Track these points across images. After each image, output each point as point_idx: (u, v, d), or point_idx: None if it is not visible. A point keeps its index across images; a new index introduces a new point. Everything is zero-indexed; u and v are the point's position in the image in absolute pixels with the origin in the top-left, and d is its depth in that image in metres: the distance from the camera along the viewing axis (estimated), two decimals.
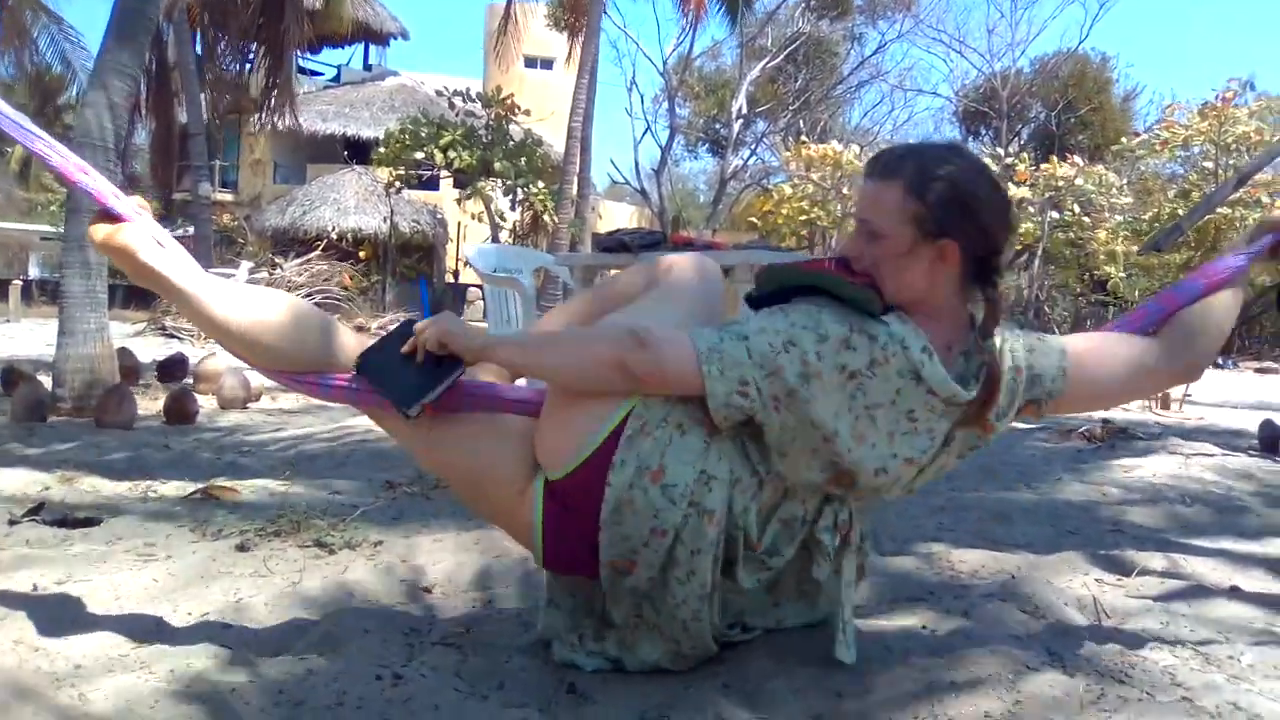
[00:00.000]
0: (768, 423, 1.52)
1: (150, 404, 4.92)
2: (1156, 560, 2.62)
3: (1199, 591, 2.35)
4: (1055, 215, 20.94)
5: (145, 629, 1.81)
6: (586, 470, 1.56)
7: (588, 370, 1.55)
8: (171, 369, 6.12)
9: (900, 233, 1.54)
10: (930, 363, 1.51)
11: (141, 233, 1.70)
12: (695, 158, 37.02)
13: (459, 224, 21.73)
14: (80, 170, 1.73)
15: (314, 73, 28.34)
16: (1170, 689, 1.61)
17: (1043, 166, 21.04)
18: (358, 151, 23.68)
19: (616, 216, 27.85)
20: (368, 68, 28.55)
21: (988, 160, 23.59)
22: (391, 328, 1.75)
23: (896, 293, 1.55)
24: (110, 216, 1.72)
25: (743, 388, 1.50)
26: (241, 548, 2.40)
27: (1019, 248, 23.35)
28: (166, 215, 21.78)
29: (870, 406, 1.52)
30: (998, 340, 1.59)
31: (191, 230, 16.32)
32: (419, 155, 17.90)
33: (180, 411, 4.55)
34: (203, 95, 16.49)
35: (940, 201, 1.52)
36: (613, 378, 1.53)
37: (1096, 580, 2.40)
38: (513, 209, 19.35)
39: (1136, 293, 23.38)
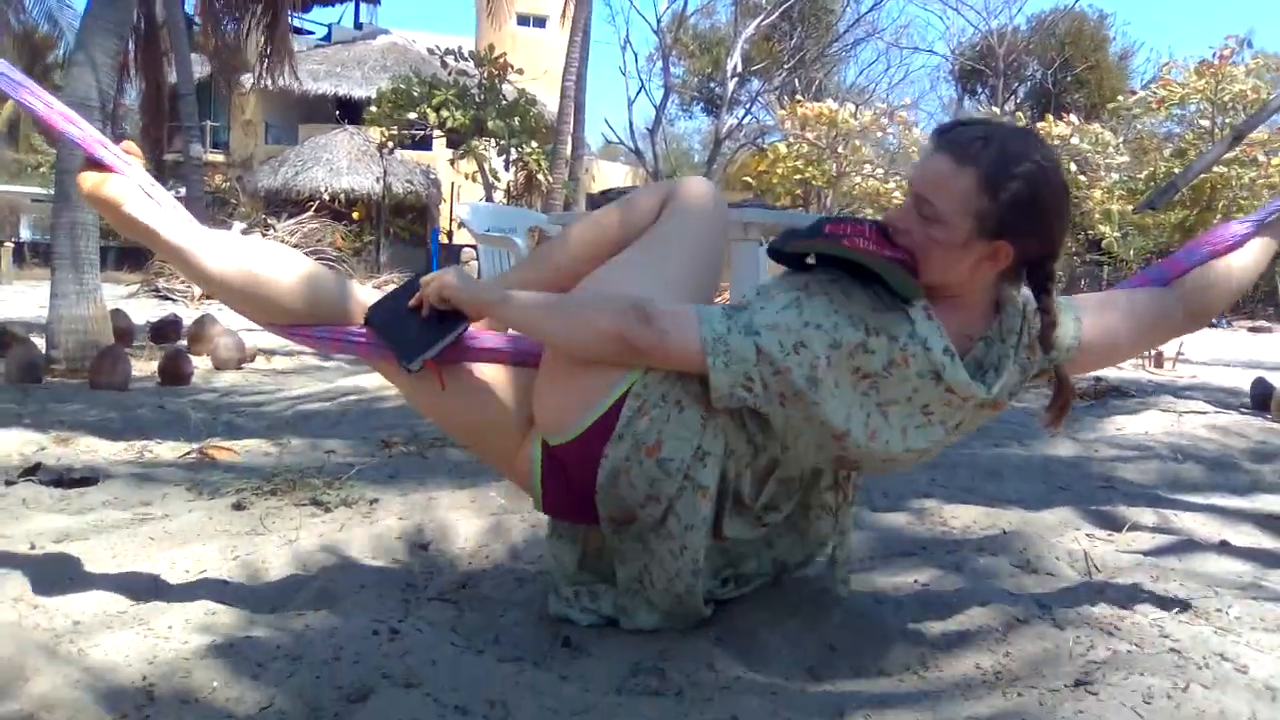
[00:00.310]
0: (773, 415, 1.50)
1: (145, 365, 4.91)
2: (1147, 516, 2.64)
3: (1189, 546, 2.37)
4: None
5: (143, 586, 1.82)
6: (583, 442, 1.55)
7: (589, 340, 1.52)
8: (165, 330, 6.11)
9: (960, 224, 1.43)
10: (952, 364, 1.46)
11: (129, 184, 1.66)
12: (690, 117, 36.85)
13: (453, 184, 21.62)
14: (67, 120, 1.70)
15: (305, 31, 28.04)
16: (1158, 641, 1.62)
17: (1039, 125, 20.91)
18: (350, 111, 23.49)
19: (611, 177, 27.70)
20: (359, 26, 28.25)
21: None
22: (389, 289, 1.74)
23: (934, 279, 1.48)
24: (99, 166, 1.69)
25: (748, 383, 1.46)
26: (238, 506, 2.41)
27: None
28: (158, 176, 21.57)
29: (884, 404, 1.48)
30: (1021, 306, 1.56)
31: (183, 191, 16.21)
32: (411, 115, 17.77)
33: (175, 372, 4.55)
34: (194, 55, 16.31)
35: (1012, 203, 1.42)
36: (613, 350, 1.50)
37: (1087, 535, 2.42)
38: (507, 169, 19.24)
39: (1131, 252, 23.37)
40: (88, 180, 1.67)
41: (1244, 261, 1.79)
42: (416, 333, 1.61)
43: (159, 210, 1.69)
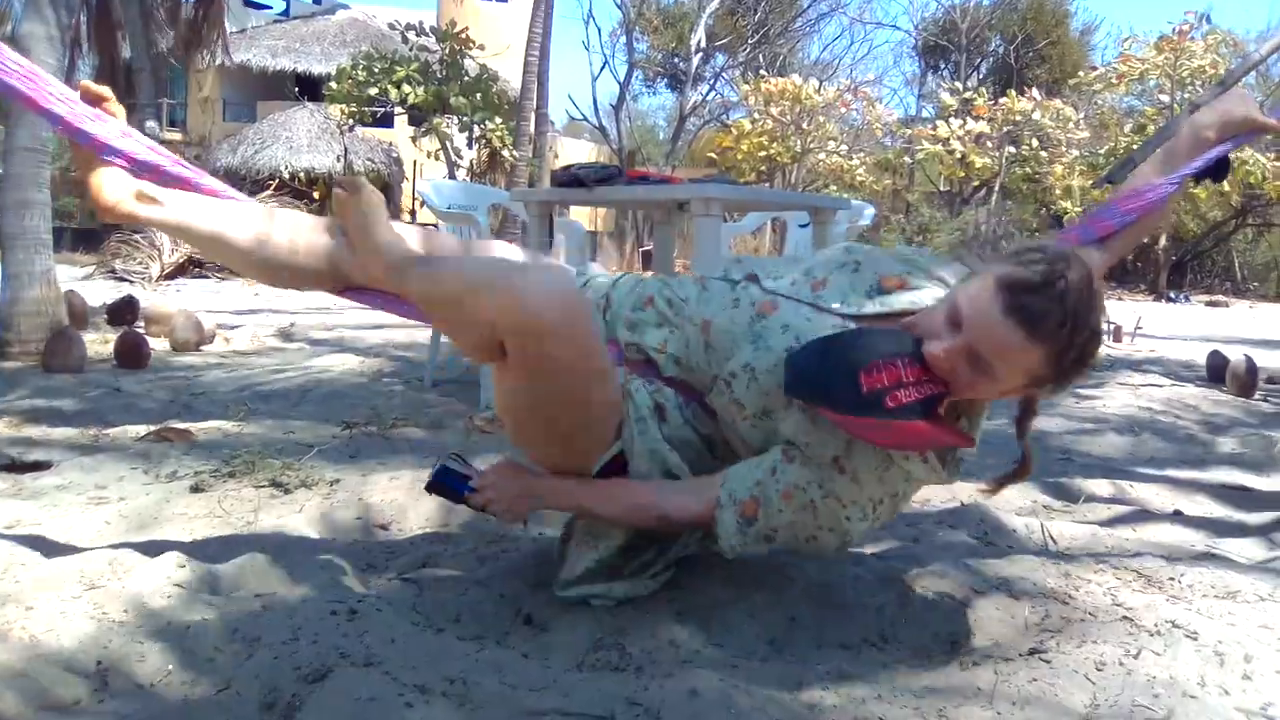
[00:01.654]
0: None
1: (100, 347, 4.83)
2: (1103, 488, 2.68)
3: (1143, 516, 2.41)
4: (1013, 150, 21.02)
5: (98, 570, 1.79)
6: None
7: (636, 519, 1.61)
8: (121, 311, 6.01)
9: (1013, 383, 1.42)
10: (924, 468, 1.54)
11: (126, 189, 1.73)
12: (654, 93, 36.80)
13: (415, 162, 21.40)
14: (44, 98, 1.69)
15: (263, 6, 27.61)
16: (1111, 610, 1.65)
17: (1001, 100, 21.04)
18: (309, 88, 23.17)
19: (576, 154, 27.56)
20: (317, 1, 27.84)
21: (946, 94, 23.59)
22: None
23: (960, 399, 1.48)
24: (91, 161, 1.72)
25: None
26: (196, 489, 2.38)
27: (976, 183, 23.51)
28: None
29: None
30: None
31: None
32: (372, 91, 17.54)
33: (131, 354, 4.48)
34: (149, 31, 16.01)
35: (1066, 372, 1.40)
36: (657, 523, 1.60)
37: (1045, 507, 2.45)
38: (470, 146, 19.06)
39: None
40: (100, 203, 1.73)
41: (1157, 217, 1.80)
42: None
43: (175, 206, 1.75)
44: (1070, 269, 1.35)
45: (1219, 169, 1.79)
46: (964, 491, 2.49)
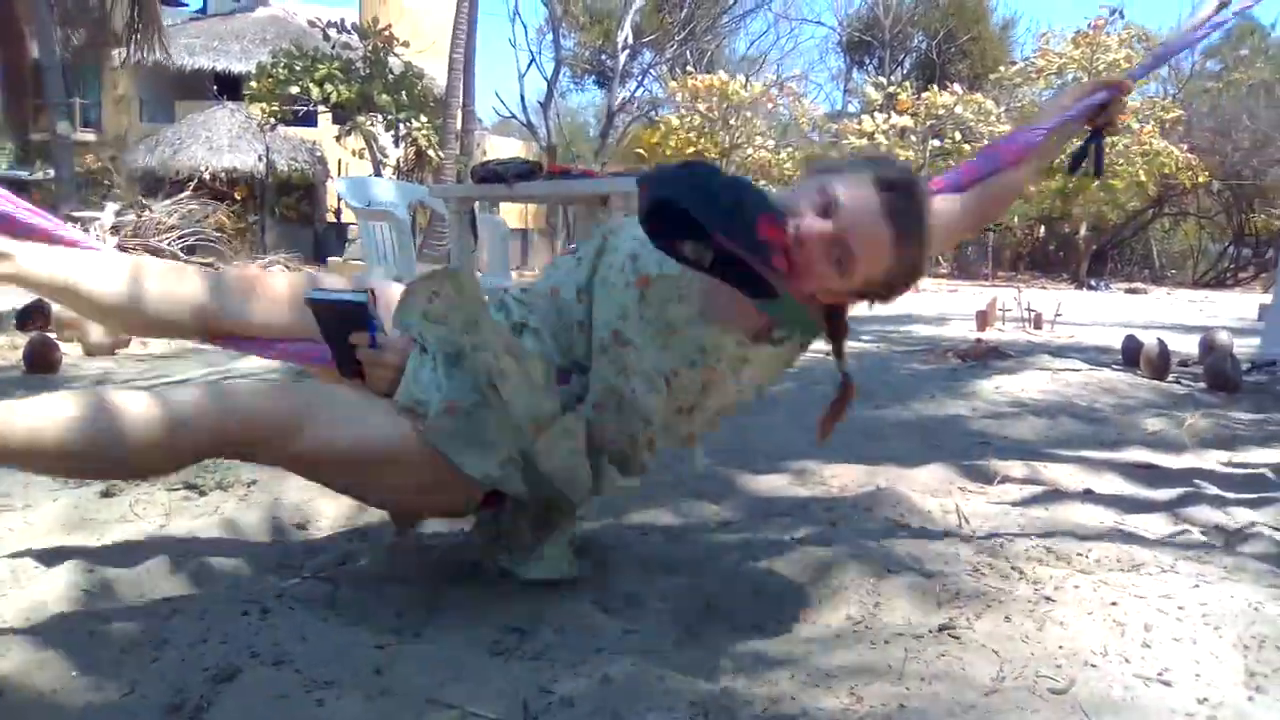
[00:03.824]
0: None
1: (9, 353, 4.69)
2: (1018, 469, 2.74)
3: (1055, 496, 2.47)
4: (936, 143, 21.38)
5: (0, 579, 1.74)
6: None
7: None
8: (32, 316, 5.83)
9: (854, 284, 1.46)
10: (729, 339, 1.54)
11: None
12: (582, 90, 36.66)
13: (340, 161, 21.12)
14: None
15: (179, 3, 26.97)
16: (1020, 584, 1.69)
17: (924, 95, 21.40)
18: (229, 86, 22.70)
19: (505, 151, 27.36)
20: None
21: (871, 89, 23.91)
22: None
23: (796, 287, 1.44)
24: None
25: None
26: (106, 494, 2.32)
27: None
28: (25, 159, 20.62)
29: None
30: None
31: (52, 173, 15.50)
32: (294, 90, 17.26)
33: (42, 360, 4.35)
34: (56, 28, 15.53)
35: (895, 285, 1.49)
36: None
37: (960, 489, 2.50)
38: (396, 145, 18.86)
39: (1015, 218, 24.11)
40: None
41: (1027, 168, 1.84)
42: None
43: (21, 252, 1.66)
44: (924, 184, 1.47)
45: (1096, 159, 1.85)
46: (881, 477, 2.53)
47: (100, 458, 1.45)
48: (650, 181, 1.40)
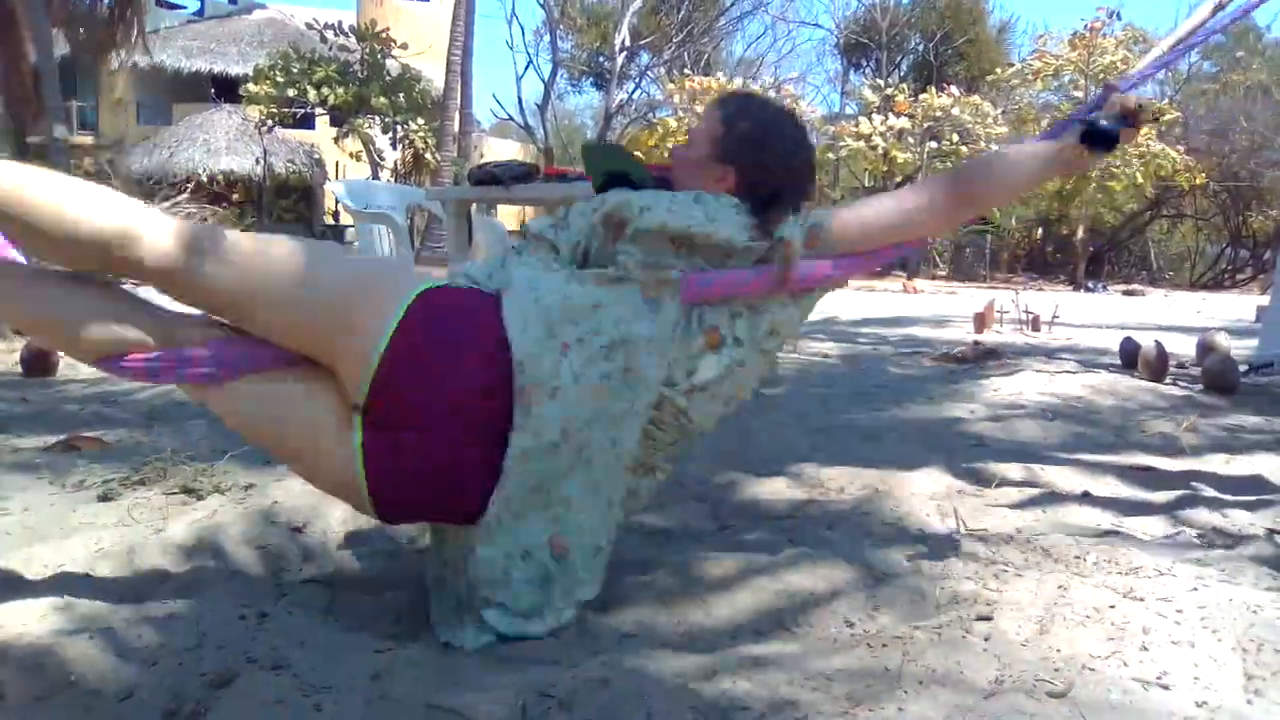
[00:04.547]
0: None
1: (6, 356, 4.69)
2: (1015, 472, 2.74)
3: (1053, 499, 2.47)
4: (934, 145, 21.41)
5: None
6: (393, 355, 1.48)
7: None
8: None
9: (701, 146, 1.76)
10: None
11: None
12: (580, 92, 36.67)
13: (337, 164, 21.14)
14: None
15: (176, 6, 26.97)
16: (1018, 588, 1.69)
17: (921, 97, 21.43)
18: (226, 89, 22.71)
19: (503, 154, 27.39)
20: (233, 0, 27.29)
21: (868, 91, 23.93)
22: None
23: (681, 186, 1.75)
24: None
25: None
26: (104, 498, 2.32)
27: (899, 179, 23.88)
28: (22, 161, 20.58)
29: None
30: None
31: None
32: (291, 92, 17.28)
33: (39, 363, 4.35)
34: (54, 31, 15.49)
35: (738, 138, 1.75)
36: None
37: (958, 492, 2.50)
38: (393, 147, 18.87)
39: (1013, 220, 24.16)
40: None
41: (1027, 168, 1.81)
42: None
43: None
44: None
45: (1105, 137, 1.81)
46: (879, 479, 2.53)
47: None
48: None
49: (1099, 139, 1.74)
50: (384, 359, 1.48)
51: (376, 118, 17.78)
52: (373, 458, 1.50)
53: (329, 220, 23.27)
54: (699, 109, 20.95)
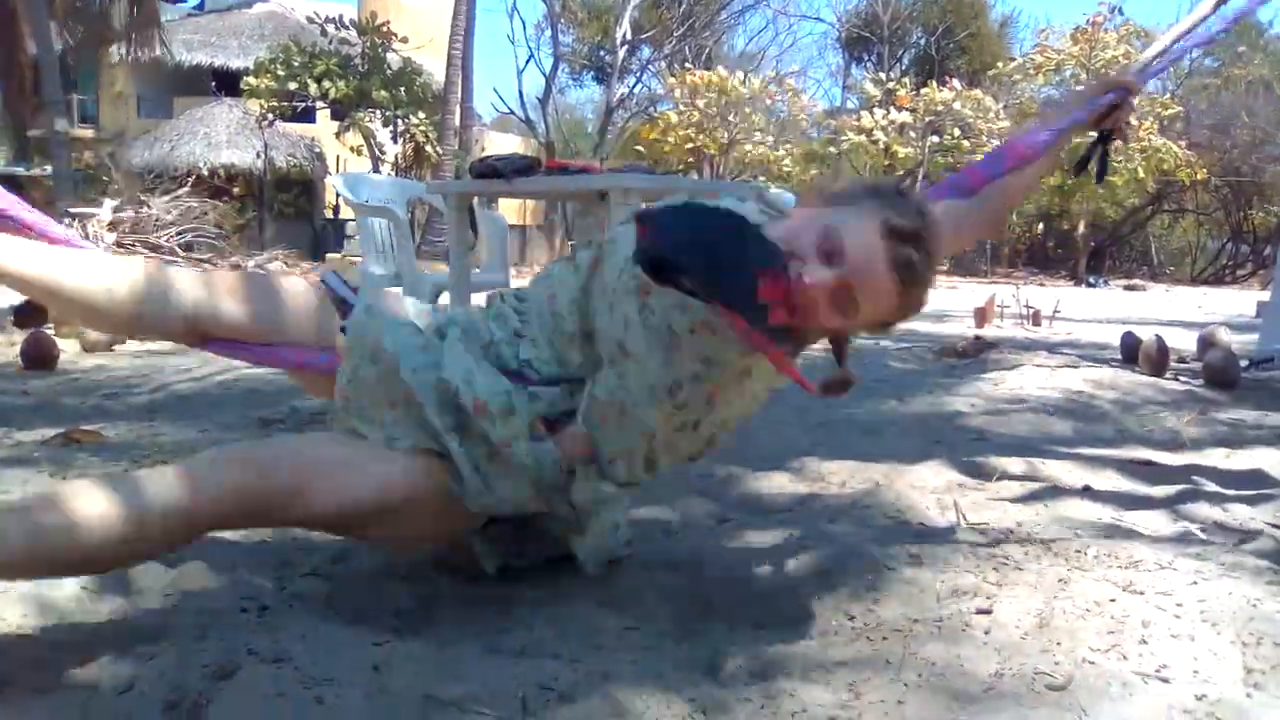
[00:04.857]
0: None
1: (7, 349, 4.69)
2: (1016, 466, 2.74)
3: (1054, 492, 2.47)
4: (935, 139, 21.39)
5: None
6: None
7: None
8: (29, 312, 5.83)
9: (862, 326, 1.46)
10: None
11: None
12: (581, 86, 36.68)
13: (338, 157, 21.13)
14: None
15: None
16: (1019, 581, 1.69)
17: (922, 91, 21.40)
18: (227, 83, 22.70)
19: (504, 148, 27.35)
20: None
21: (870, 85, 23.91)
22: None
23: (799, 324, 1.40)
24: None
25: None
26: None
27: (900, 173, 23.87)
28: (22, 155, 20.60)
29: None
30: None
31: (49, 170, 15.48)
32: (292, 86, 17.26)
33: (40, 356, 4.35)
34: (52, 23, 15.49)
35: (894, 324, 1.47)
36: None
37: (959, 486, 2.49)
38: (394, 141, 18.86)
39: (1014, 215, 24.11)
40: None
41: (1035, 170, 1.82)
42: None
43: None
44: (935, 224, 1.41)
45: (1100, 163, 1.83)
46: (880, 473, 2.53)
47: (64, 562, 1.39)
48: (649, 225, 1.40)
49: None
50: None
51: (377, 111, 17.78)
52: None
53: (329, 214, 23.27)
54: (700, 103, 20.97)
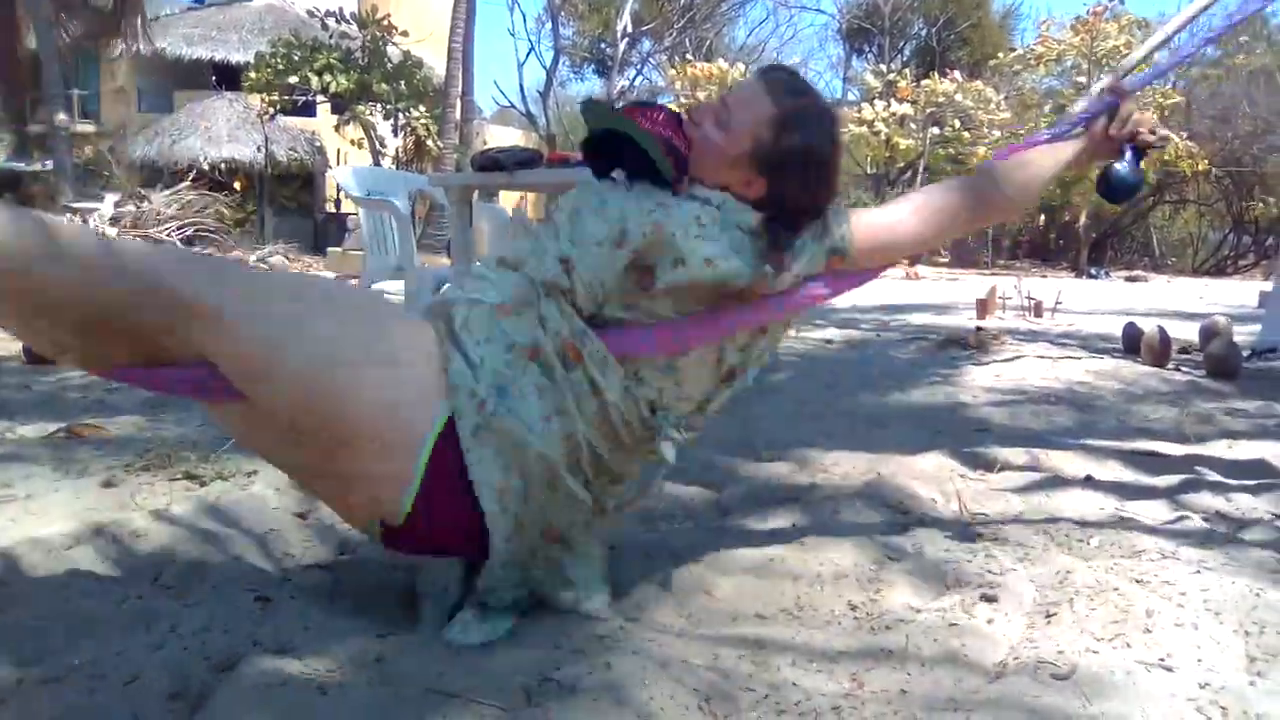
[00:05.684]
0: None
1: (9, 344, 4.69)
2: (1019, 456, 2.74)
3: (1056, 482, 2.47)
4: (936, 131, 21.34)
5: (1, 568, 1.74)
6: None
7: None
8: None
9: (740, 142, 1.52)
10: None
11: None
12: (582, 79, 36.48)
13: (339, 151, 21.07)
14: None
15: None
16: (1022, 571, 1.69)
17: (924, 83, 21.35)
18: (227, 77, 22.64)
19: (505, 141, 27.32)
20: None
21: (870, 77, 23.86)
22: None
23: (697, 174, 1.56)
24: None
25: None
26: (107, 484, 2.32)
27: (901, 165, 23.85)
28: (22, 150, 20.58)
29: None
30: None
31: (50, 164, 15.47)
32: (292, 80, 17.23)
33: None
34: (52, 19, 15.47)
35: (785, 150, 1.50)
36: None
37: (961, 476, 2.50)
38: (395, 134, 18.83)
39: None
40: None
41: (1062, 156, 1.76)
42: None
43: None
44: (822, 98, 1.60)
45: (1115, 188, 1.75)
46: (882, 464, 2.53)
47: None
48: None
49: (1118, 190, 1.69)
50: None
51: (378, 105, 17.75)
52: (389, 537, 1.51)
53: (330, 208, 23.24)
54: (701, 95, 20.91)
